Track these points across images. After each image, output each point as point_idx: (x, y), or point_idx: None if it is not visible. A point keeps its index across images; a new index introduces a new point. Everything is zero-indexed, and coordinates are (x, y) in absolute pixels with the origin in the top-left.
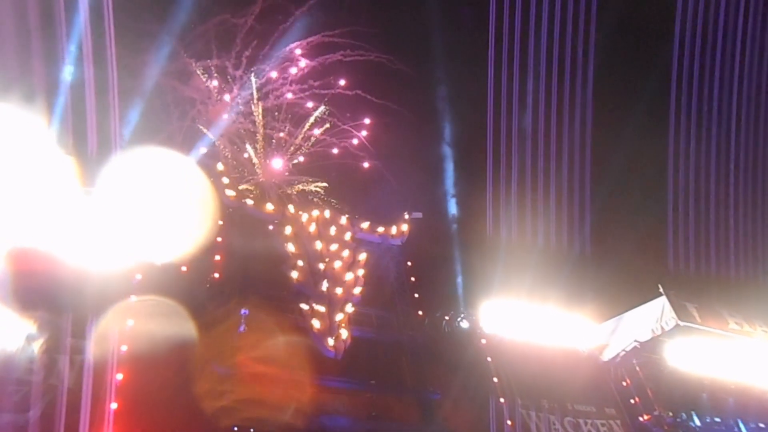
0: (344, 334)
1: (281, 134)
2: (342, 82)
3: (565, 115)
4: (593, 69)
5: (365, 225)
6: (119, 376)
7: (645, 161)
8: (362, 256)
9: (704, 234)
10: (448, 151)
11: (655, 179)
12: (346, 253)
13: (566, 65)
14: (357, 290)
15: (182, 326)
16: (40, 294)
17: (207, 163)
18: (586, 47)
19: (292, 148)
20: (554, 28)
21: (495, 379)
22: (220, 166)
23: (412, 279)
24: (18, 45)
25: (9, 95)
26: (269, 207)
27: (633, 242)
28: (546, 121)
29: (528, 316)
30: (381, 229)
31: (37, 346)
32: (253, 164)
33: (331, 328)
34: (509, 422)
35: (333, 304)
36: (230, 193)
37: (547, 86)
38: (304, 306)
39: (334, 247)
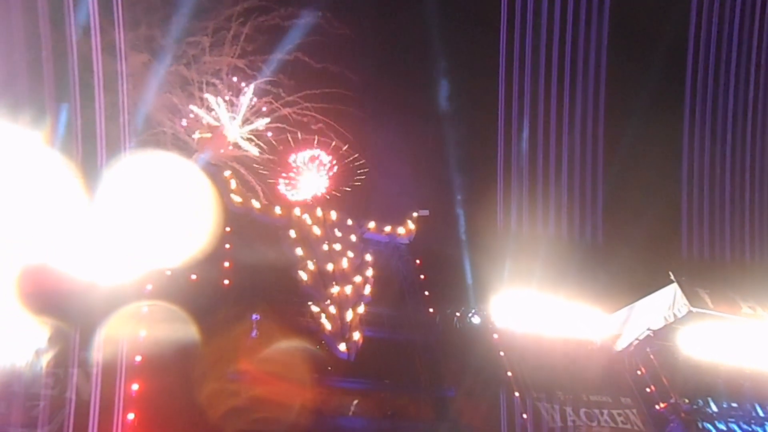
0: (356, 335)
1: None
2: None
3: (578, 102)
4: (606, 53)
5: (372, 225)
6: (135, 387)
7: (658, 146)
8: (370, 257)
9: (718, 219)
10: (453, 143)
11: (668, 164)
12: (353, 254)
13: (579, 50)
14: (367, 290)
15: (195, 334)
16: (51, 309)
17: (212, 170)
18: (600, 30)
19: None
20: (567, 13)
21: (509, 373)
22: (227, 173)
23: (422, 277)
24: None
25: (18, 115)
26: (276, 211)
27: (645, 230)
28: (558, 108)
29: (540, 309)
30: (388, 228)
31: (46, 361)
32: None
33: (342, 330)
34: (525, 416)
35: (343, 305)
36: (236, 198)
37: (559, 73)
38: (314, 308)
39: (341, 248)
